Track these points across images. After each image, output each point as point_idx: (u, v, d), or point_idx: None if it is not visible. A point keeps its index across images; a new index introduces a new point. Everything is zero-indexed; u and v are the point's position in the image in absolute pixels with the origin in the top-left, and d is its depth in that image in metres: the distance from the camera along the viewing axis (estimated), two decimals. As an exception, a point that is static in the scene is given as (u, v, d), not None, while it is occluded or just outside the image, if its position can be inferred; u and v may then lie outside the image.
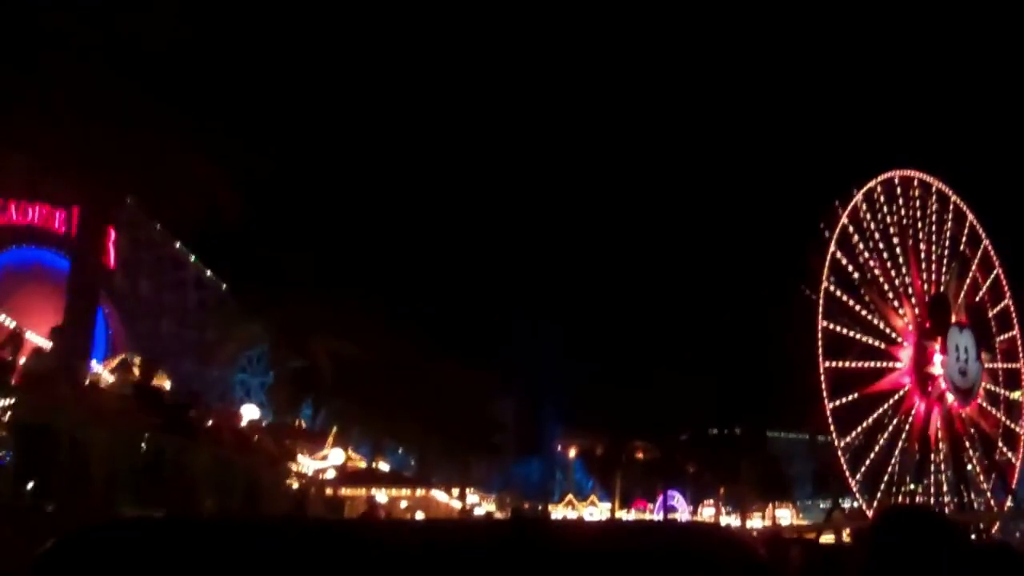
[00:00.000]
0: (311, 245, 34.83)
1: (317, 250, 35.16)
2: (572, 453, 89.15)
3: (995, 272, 61.10)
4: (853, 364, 52.62)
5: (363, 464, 47.53)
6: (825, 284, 52.07)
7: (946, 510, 54.51)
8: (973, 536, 46.82)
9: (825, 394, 50.76)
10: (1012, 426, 60.04)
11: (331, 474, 34.61)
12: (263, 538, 2.37)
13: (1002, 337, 60.70)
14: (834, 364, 51.67)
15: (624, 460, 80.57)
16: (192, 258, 47.12)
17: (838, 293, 52.94)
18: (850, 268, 53.85)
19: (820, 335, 51.32)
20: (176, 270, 48.83)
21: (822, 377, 50.87)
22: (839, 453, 51.21)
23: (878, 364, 53.98)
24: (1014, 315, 61.63)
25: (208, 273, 44.64)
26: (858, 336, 53.38)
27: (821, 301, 51.87)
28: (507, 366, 70.65)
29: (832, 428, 50.98)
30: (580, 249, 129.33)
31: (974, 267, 60.00)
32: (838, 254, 52.97)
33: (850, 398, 52.04)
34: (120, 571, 2.15)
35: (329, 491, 34.90)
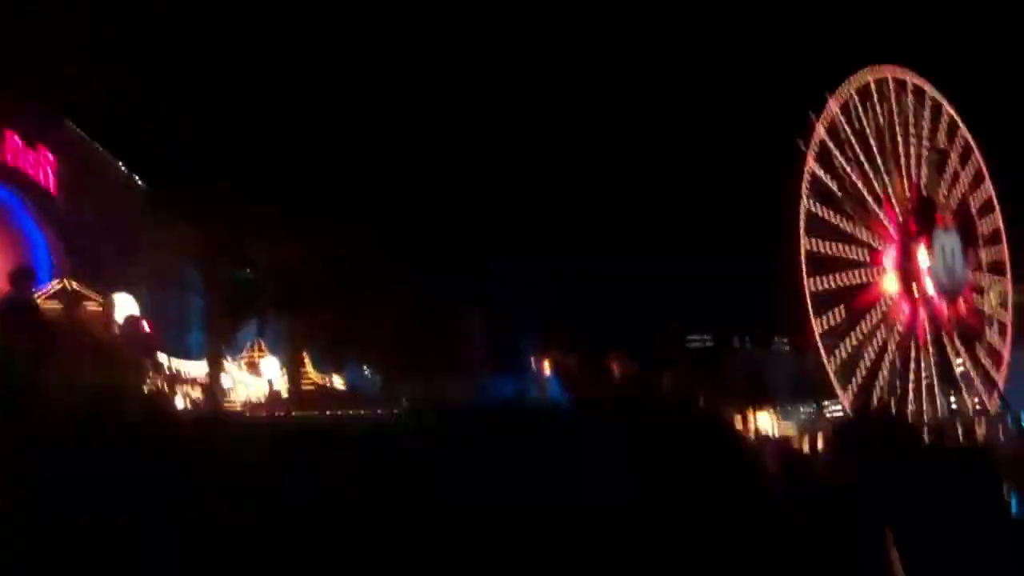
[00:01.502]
0: (248, 138, 31.19)
1: (255, 144, 31.56)
2: (546, 367, 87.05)
3: (984, 185, 59.01)
4: (838, 282, 50.56)
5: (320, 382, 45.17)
6: (805, 202, 49.69)
7: (936, 411, 53.32)
8: (961, 438, 45.44)
9: (811, 315, 48.89)
10: (988, 336, 58.43)
11: (254, 392, 31.78)
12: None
13: (984, 221, 58.75)
14: (818, 286, 49.68)
15: (600, 375, 78.63)
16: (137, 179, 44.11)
17: (818, 210, 50.53)
18: (830, 180, 51.52)
19: (803, 256, 49.22)
20: (122, 194, 46.08)
21: (808, 300, 48.96)
22: (823, 359, 49.45)
23: (863, 277, 51.97)
24: (995, 201, 59.62)
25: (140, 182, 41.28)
26: (841, 251, 51.22)
27: (802, 220, 49.59)
28: (476, 278, 67.89)
29: (820, 347, 49.27)
30: (553, 155, 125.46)
31: (964, 179, 57.86)
32: (817, 169, 50.81)
33: (837, 319, 50.14)
34: None
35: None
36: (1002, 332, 58.73)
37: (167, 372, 34.44)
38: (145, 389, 11.42)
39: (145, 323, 14.03)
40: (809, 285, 49.15)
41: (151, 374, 13.45)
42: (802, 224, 49.35)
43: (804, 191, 49.73)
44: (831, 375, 49.81)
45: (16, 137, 37.83)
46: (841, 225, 51.66)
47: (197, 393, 30.29)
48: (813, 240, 49.91)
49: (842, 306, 50.63)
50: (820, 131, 50.82)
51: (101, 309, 15.16)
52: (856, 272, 52.01)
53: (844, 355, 51.30)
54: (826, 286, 50.13)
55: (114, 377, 10.34)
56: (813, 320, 49.15)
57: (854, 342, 51.69)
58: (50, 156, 40.86)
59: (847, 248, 51.79)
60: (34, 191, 40.25)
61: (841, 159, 52.24)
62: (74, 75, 39.49)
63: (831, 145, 51.72)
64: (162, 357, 27.54)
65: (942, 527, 3.24)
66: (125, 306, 17.39)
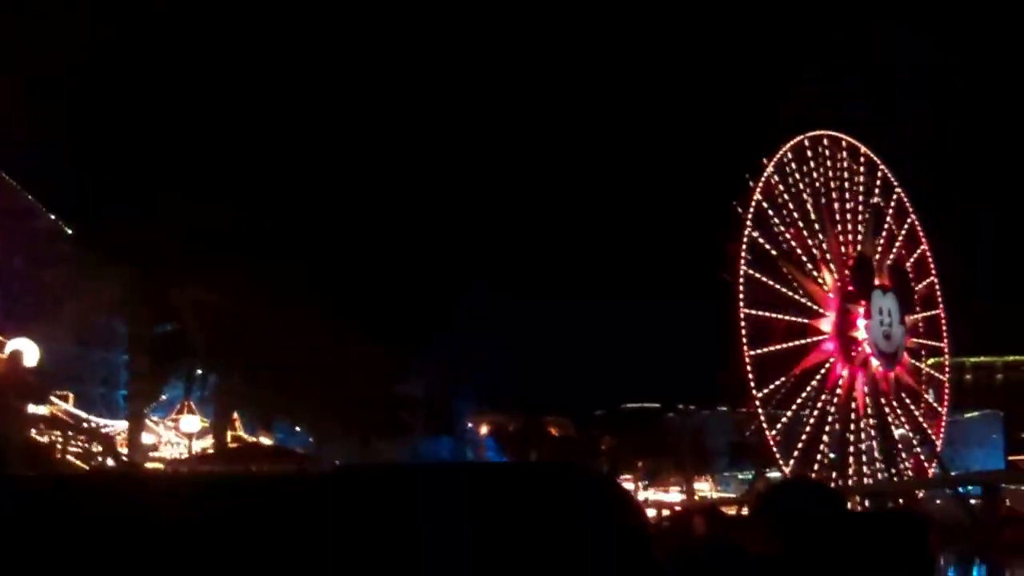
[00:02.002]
0: (180, 181, 29.99)
1: (188, 188, 30.38)
2: (484, 430, 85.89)
3: (909, 220, 59.50)
4: (778, 347, 50.56)
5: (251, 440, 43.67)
6: (743, 268, 49.76)
7: (877, 477, 53.07)
8: (900, 503, 45.17)
9: (752, 385, 48.69)
10: (932, 399, 58.74)
11: (179, 450, 30.37)
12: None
13: (920, 285, 59.18)
14: (758, 352, 49.64)
15: (538, 436, 77.80)
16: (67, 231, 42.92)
17: (757, 275, 50.64)
18: (768, 244, 51.75)
19: (742, 323, 49.15)
20: (52, 243, 44.81)
21: (748, 367, 48.87)
22: (763, 426, 49.11)
23: (803, 342, 51.98)
24: (931, 263, 60.19)
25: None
26: (781, 317, 51.24)
27: (741, 287, 49.64)
28: (415, 339, 66.92)
29: (759, 410, 49.02)
30: (496, 217, 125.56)
31: (889, 218, 58.35)
32: (755, 233, 51.06)
33: (778, 383, 50.18)
34: None
35: (196, 470, 30.67)
36: (939, 397, 59.01)
37: (86, 426, 33.00)
38: (25, 438, 10.42)
39: (25, 363, 13.02)
40: (749, 352, 48.96)
41: (37, 423, 12.41)
42: (741, 293, 49.27)
43: (742, 260, 49.73)
44: (771, 445, 49.43)
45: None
46: (781, 290, 51.69)
47: (117, 449, 28.90)
48: (753, 309, 49.83)
49: (783, 378, 50.50)
50: (756, 195, 50.98)
51: (6, 357, 14.16)
52: (796, 338, 51.92)
53: (784, 422, 51.04)
54: (767, 350, 50.03)
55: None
56: (753, 390, 48.91)
57: (794, 408, 51.51)
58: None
59: (787, 313, 51.76)
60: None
61: (779, 222, 52.43)
62: (3, 119, 38.48)
63: (768, 209, 51.92)
64: (67, 407, 26.15)
65: None
66: (27, 354, 16.33)
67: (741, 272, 49.66)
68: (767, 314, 50.80)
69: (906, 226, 58.81)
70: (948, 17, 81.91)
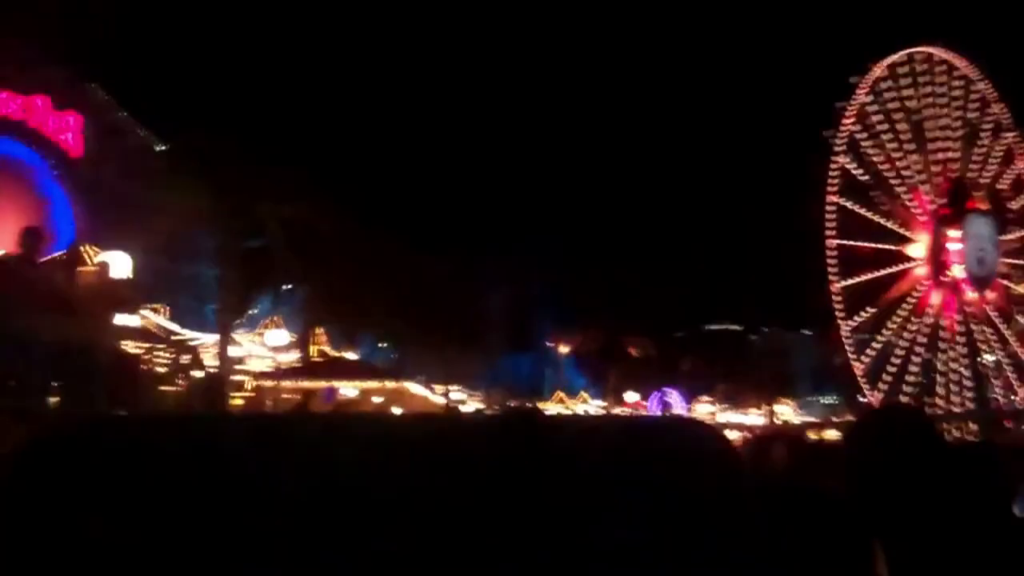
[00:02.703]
0: (264, 94, 30.32)
1: (275, 113, 30.71)
2: (563, 349, 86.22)
3: (1007, 137, 57.11)
4: (868, 276, 49.50)
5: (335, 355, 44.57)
6: (834, 197, 48.49)
7: (961, 405, 52.04)
8: (984, 431, 44.33)
9: (840, 317, 47.88)
10: (1020, 320, 56.89)
11: (266, 363, 31.08)
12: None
13: (1015, 203, 57.08)
14: (848, 283, 48.68)
15: (617, 356, 77.89)
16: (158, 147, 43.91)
17: (847, 203, 49.39)
18: (859, 169, 50.23)
19: (831, 209, 48.12)
20: (145, 159, 45.85)
21: (832, 252, 47.93)
22: (851, 357, 48.35)
23: (893, 269, 50.80)
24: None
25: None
26: (871, 245, 50.05)
27: (833, 178, 48.50)
28: (494, 255, 67.17)
29: (840, 311, 48.12)
30: (574, 132, 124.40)
31: (997, 158, 56.07)
32: (845, 158, 49.60)
33: (867, 313, 49.05)
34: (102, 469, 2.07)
35: (282, 384, 31.51)
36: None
37: (175, 339, 33.98)
38: (113, 348, 10.71)
39: (112, 274, 13.35)
40: (838, 283, 48.07)
41: (128, 334, 12.76)
42: (832, 221, 48.20)
43: (833, 186, 48.57)
44: (858, 376, 48.69)
45: (46, 101, 37.64)
46: (871, 216, 50.39)
47: (203, 362, 29.71)
48: (843, 238, 48.76)
49: (870, 307, 49.50)
50: (848, 120, 49.55)
51: (97, 268, 14.57)
52: (887, 265, 50.73)
53: (873, 352, 50.20)
54: (856, 280, 49.06)
55: (73, 331, 9.67)
56: (841, 323, 48.07)
57: (883, 337, 50.59)
58: (77, 119, 40.64)
59: (879, 240, 50.54)
60: (59, 155, 40.08)
61: (870, 147, 50.93)
62: (100, 39, 39.16)
63: (859, 133, 50.43)
64: (158, 319, 26.88)
65: (939, 542, 3.06)
66: (118, 266, 16.70)
67: (831, 201, 48.54)
68: (857, 243, 49.64)
69: (1004, 143, 56.49)
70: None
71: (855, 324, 49.16)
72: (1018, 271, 57.24)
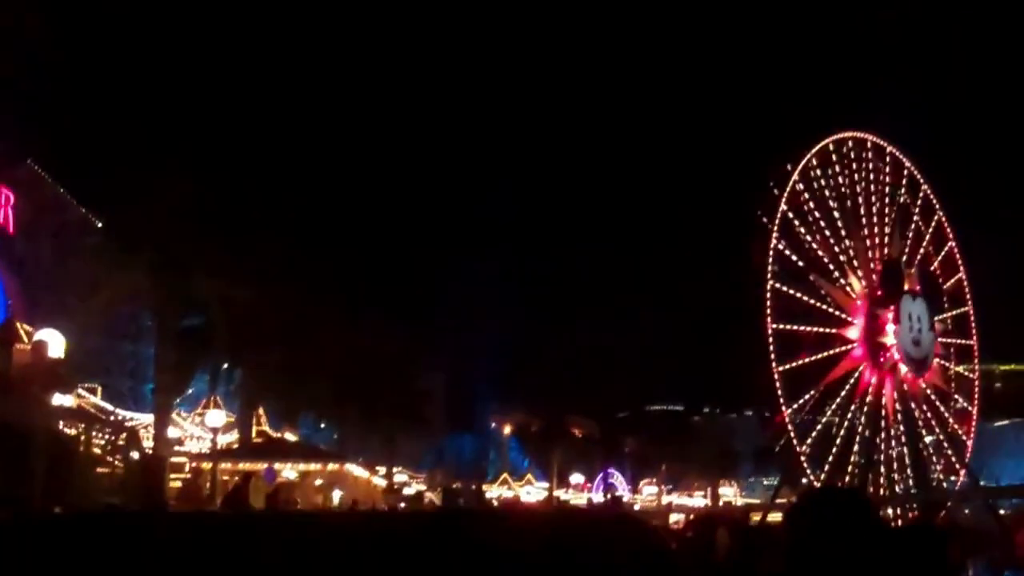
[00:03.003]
0: (199, 170, 30.05)
1: (208, 177, 30.43)
2: (507, 430, 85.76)
3: (948, 245, 58.75)
4: (806, 360, 49.91)
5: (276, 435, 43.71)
6: (770, 280, 49.15)
7: (901, 486, 52.44)
8: (924, 514, 44.57)
9: (773, 356, 48.10)
10: (964, 403, 57.90)
11: (204, 444, 30.35)
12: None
13: (948, 283, 58.32)
14: (784, 326, 48.98)
15: (561, 437, 77.56)
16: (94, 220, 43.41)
17: (783, 288, 49.94)
18: (794, 254, 50.87)
19: (769, 295, 48.59)
20: (81, 236, 45.26)
21: (770, 338, 48.20)
22: (793, 441, 48.49)
23: (831, 352, 51.26)
24: (967, 289, 59.33)
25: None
26: (808, 329, 50.59)
27: (770, 265, 49.08)
28: (438, 335, 66.94)
29: (780, 395, 48.35)
30: (519, 207, 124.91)
31: (927, 239, 57.56)
32: (780, 243, 50.16)
33: (807, 397, 49.41)
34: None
35: (221, 465, 30.76)
36: (969, 400, 58.17)
37: (112, 419, 33.12)
38: (50, 429, 10.37)
39: (50, 354, 13.02)
40: (778, 368, 48.33)
41: (64, 414, 12.39)
42: (768, 306, 48.62)
43: (770, 271, 49.10)
44: (801, 458, 48.82)
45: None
46: (809, 301, 51.00)
47: (142, 442, 28.93)
48: (780, 322, 49.20)
49: (812, 391, 49.91)
50: (782, 206, 50.28)
51: (32, 347, 14.16)
52: (824, 348, 51.20)
53: (815, 434, 50.44)
54: (795, 364, 49.38)
55: (8, 411, 9.36)
56: (783, 406, 48.33)
57: (824, 418, 50.92)
58: (10, 196, 40.00)
59: (815, 324, 51.07)
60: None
61: (804, 230, 51.68)
62: (36, 115, 38.86)
63: (794, 217, 51.15)
64: (94, 399, 26.17)
65: None
66: (52, 344, 16.27)
67: (769, 286, 49.03)
68: (794, 328, 50.11)
69: (933, 223, 57.95)
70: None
71: (796, 406, 49.44)
72: (954, 352, 58.42)
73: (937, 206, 58.08)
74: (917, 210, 57.14)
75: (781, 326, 49.00)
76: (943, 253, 58.21)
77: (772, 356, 48.01)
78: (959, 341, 58.54)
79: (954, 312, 58.31)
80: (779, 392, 48.15)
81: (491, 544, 2.16)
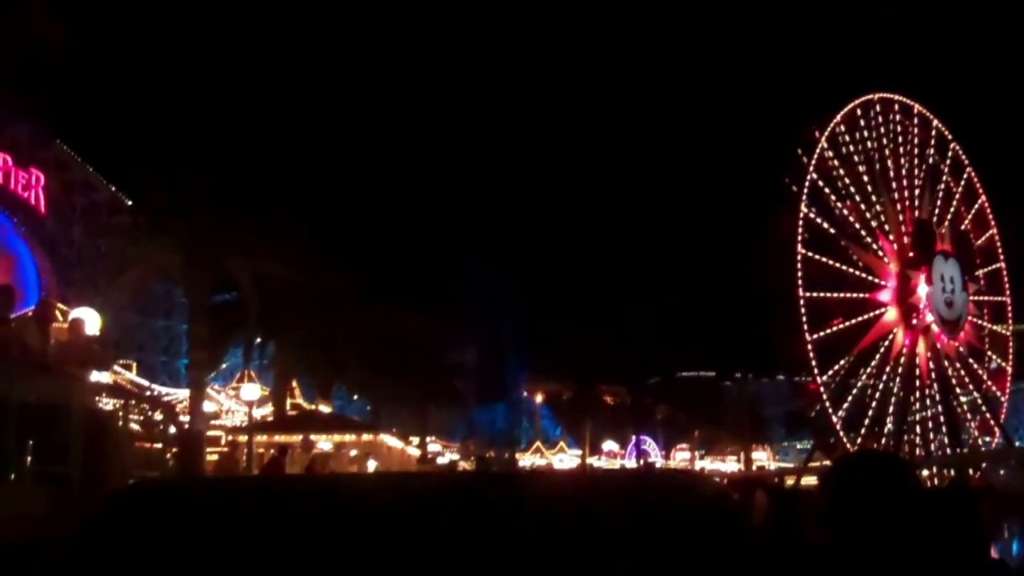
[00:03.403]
0: (233, 146, 30.25)
1: (241, 154, 30.62)
2: (539, 399, 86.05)
3: (979, 202, 58.14)
4: (839, 326, 49.67)
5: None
6: (800, 248, 48.83)
7: (936, 447, 52.23)
8: (958, 475, 44.38)
9: (806, 326, 47.89)
10: (999, 361, 57.47)
11: (240, 418, 30.68)
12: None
13: (980, 240, 57.81)
14: (815, 294, 48.72)
15: (592, 405, 77.68)
16: (123, 198, 43.81)
17: (814, 255, 49.63)
18: (824, 220, 50.58)
19: (799, 263, 48.30)
20: (112, 215, 45.67)
21: (802, 308, 47.96)
22: (828, 409, 48.34)
23: (864, 317, 50.98)
24: (999, 246, 58.76)
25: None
26: (841, 295, 50.31)
27: (799, 232, 48.76)
28: (468, 308, 67.19)
29: (814, 363, 48.17)
30: (544, 185, 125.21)
31: (957, 196, 56.95)
32: (810, 210, 49.83)
33: (840, 364, 49.18)
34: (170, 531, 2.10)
35: (257, 438, 31.17)
36: (1004, 357, 57.75)
37: (148, 394, 33.61)
38: (87, 406, 10.55)
39: (86, 331, 13.24)
40: (810, 336, 48.10)
41: (100, 391, 12.61)
42: (799, 275, 48.30)
43: (800, 239, 48.74)
44: (836, 425, 48.66)
45: (7, 158, 37.39)
46: (840, 267, 50.66)
47: (178, 417, 29.37)
48: (812, 290, 48.93)
49: (844, 357, 49.71)
50: (810, 172, 49.87)
51: (69, 325, 14.46)
52: (857, 314, 50.87)
53: (849, 398, 50.27)
54: (828, 331, 49.19)
55: (48, 389, 9.55)
56: (817, 375, 48.18)
57: (858, 383, 50.75)
58: (40, 176, 40.44)
59: (847, 290, 50.79)
60: (24, 211, 39.80)
61: (834, 196, 51.31)
62: (64, 94, 39.21)
63: (822, 183, 50.79)
64: (131, 376, 26.57)
65: None
66: (87, 322, 16.59)
67: (799, 254, 48.69)
68: (826, 295, 49.86)
69: (963, 180, 57.31)
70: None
71: (830, 374, 49.30)
72: (987, 311, 57.89)
73: (967, 163, 57.56)
74: (946, 168, 56.61)
75: (813, 294, 48.80)
76: (974, 210, 57.64)
77: (805, 325, 47.86)
78: (993, 298, 58.00)
79: (987, 269, 57.77)
80: (813, 361, 48.05)
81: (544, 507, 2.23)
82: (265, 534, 2.18)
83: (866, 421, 50.25)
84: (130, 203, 41.23)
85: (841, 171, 51.74)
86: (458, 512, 2.23)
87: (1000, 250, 58.69)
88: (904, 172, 54.28)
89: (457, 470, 54.15)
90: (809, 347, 47.89)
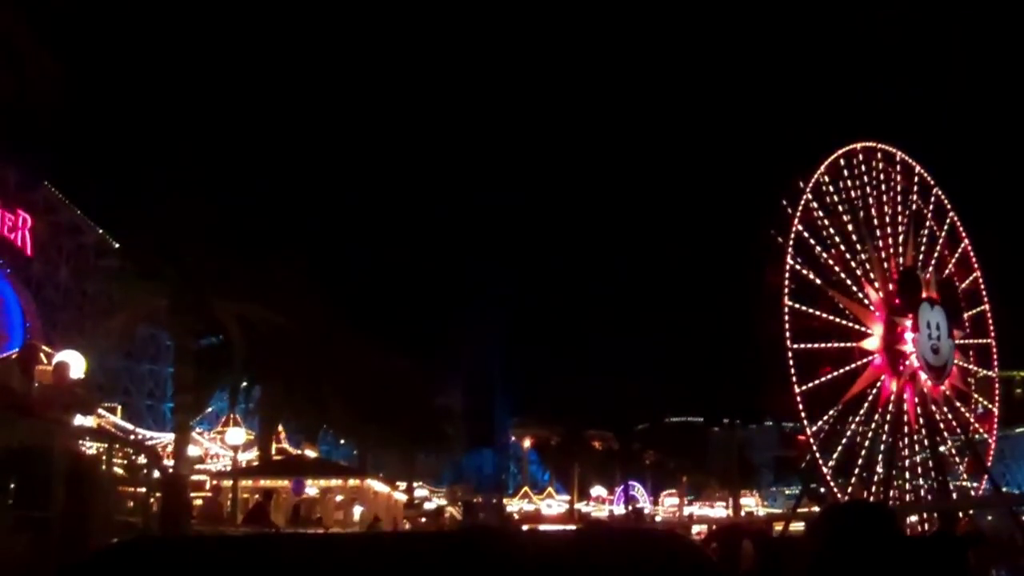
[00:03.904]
0: (216, 191, 30.34)
1: (228, 198, 30.78)
2: (527, 444, 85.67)
3: (962, 245, 58.58)
4: (827, 377, 49.70)
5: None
6: (787, 300, 49.02)
7: (921, 493, 52.12)
8: (945, 522, 44.21)
9: (794, 378, 47.91)
10: (985, 403, 57.56)
11: (224, 462, 30.37)
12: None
13: (971, 312, 58.11)
14: (803, 346, 48.83)
15: (581, 450, 77.41)
16: (110, 240, 43.86)
17: (800, 307, 49.78)
18: (809, 271, 50.78)
19: (787, 316, 48.40)
20: (99, 257, 45.67)
21: (790, 361, 48.01)
22: (813, 447, 48.30)
23: (852, 366, 51.05)
24: (983, 289, 59.10)
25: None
26: (828, 346, 50.45)
27: (786, 284, 48.94)
28: (455, 352, 67.16)
29: (803, 414, 48.16)
30: (533, 226, 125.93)
31: (941, 241, 57.39)
32: (796, 261, 50.04)
33: (829, 414, 49.21)
34: None
35: (242, 483, 30.90)
36: (990, 400, 57.83)
37: (133, 438, 33.37)
38: (71, 449, 10.48)
39: (71, 375, 13.18)
40: (799, 387, 48.15)
41: (84, 435, 12.52)
42: (787, 328, 48.42)
43: (786, 291, 48.90)
44: (826, 475, 48.59)
45: (-5, 201, 37.49)
46: (826, 317, 50.81)
47: (162, 461, 29.14)
48: (799, 343, 49.03)
49: (833, 410, 49.73)
50: (796, 222, 50.02)
51: (54, 368, 14.37)
52: (845, 362, 50.95)
53: (837, 445, 50.19)
54: (816, 383, 49.24)
55: (31, 433, 9.49)
56: (807, 426, 48.21)
57: (846, 429, 50.75)
58: (27, 219, 40.47)
59: (833, 340, 50.87)
60: (10, 253, 39.77)
61: (818, 246, 51.49)
62: (51, 139, 39.32)
63: (807, 234, 50.97)
64: (115, 419, 26.34)
65: None
66: (72, 365, 16.46)
67: (785, 308, 48.81)
68: (813, 346, 49.97)
69: (947, 224, 57.77)
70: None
71: (819, 425, 49.36)
72: (973, 356, 58.08)
73: (949, 207, 58.03)
74: (930, 213, 57.07)
75: (800, 346, 48.89)
76: (958, 253, 58.03)
77: (794, 377, 47.91)
78: (978, 341, 58.16)
79: (972, 312, 58.02)
80: (802, 413, 48.06)
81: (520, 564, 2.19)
82: None
83: (856, 469, 50.12)
84: (117, 246, 41.24)
85: (826, 221, 51.93)
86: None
87: (984, 293, 59.01)
88: (888, 220, 54.61)
89: (444, 516, 53.94)
90: (798, 399, 47.87)
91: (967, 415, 55.74)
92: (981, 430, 56.55)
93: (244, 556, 2.33)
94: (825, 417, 49.48)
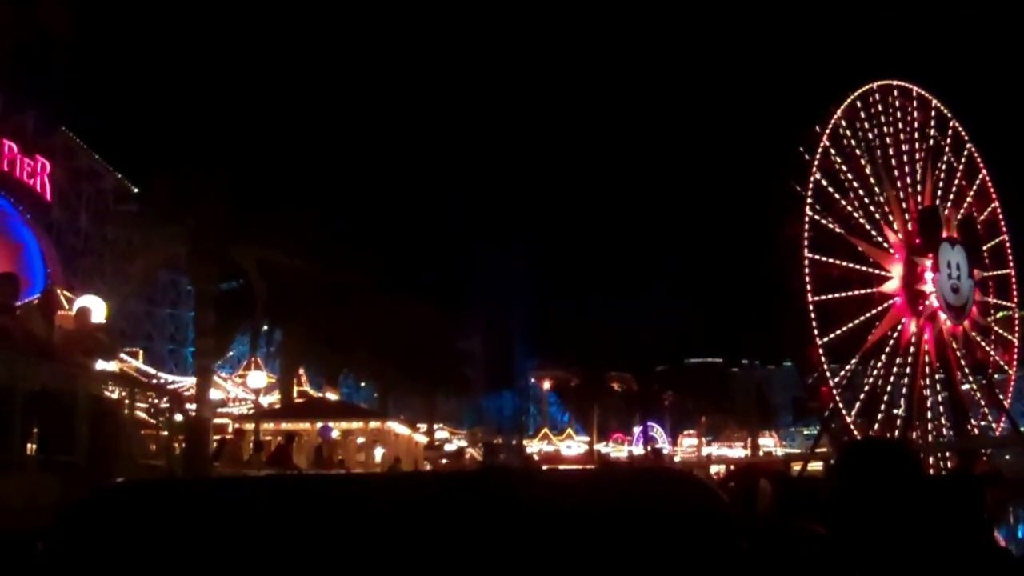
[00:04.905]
0: (240, 135, 30.30)
1: (249, 143, 30.70)
2: (546, 386, 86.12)
3: (980, 176, 57.92)
4: (848, 326, 49.48)
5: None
6: (807, 252, 48.61)
7: (945, 432, 52.21)
8: (963, 461, 44.37)
9: (816, 331, 47.80)
10: (1006, 334, 57.23)
11: (246, 406, 30.67)
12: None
13: (990, 244, 57.57)
14: (823, 297, 48.67)
15: (600, 392, 77.79)
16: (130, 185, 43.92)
17: (820, 257, 49.43)
18: (829, 218, 50.35)
19: (807, 268, 48.16)
20: (118, 202, 45.71)
21: (812, 315, 47.87)
22: (833, 390, 48.32)
23: (872, 312, 50.80)
24: (1002, 220, 58.55)
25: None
26: (848, 294, 50.17)
27: (806, 231, 48.60)
28: (475, 296, 67.27)
29: (825, 367, 48.17)
30: (552, 170, 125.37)
31: (959, 174, 56.77)
32: (815, 208, 49.59)
33: (841, 331, 49.07)
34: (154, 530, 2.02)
35: (264, 425, 31.25)
36: (1008, 350, 57.53)
37: (155, 382, 33.73)
38: (93, 394, 10.58)
39: (92, 320, 13.26)
40: (821, 339, 47.99)
41: (107, 379, 12.64)
42: (808, 280, 48.16)
43: (805, 243, 48.57)
44: (842, 408, 48.60)
45: (13, 145, 37.38)
46: (847, 264, 50.45)
47: (185, 405, 29.49)
48: (820, 294, 48.77)
49: (854, 359, 49.71)
50: (814, 170, 49.50)
51: (75, 314, 14.45)
52: (865, 308, 50.71)
53: (861, 397, 50.14)
54: (837, 332, 49.08)
55: (53, 377, 9.58)
56: (830, 382, 48.18)
57: (866, 372, 50.73)
58: (46, 164, 40.48)
59: (854, 286, 50.64)
60: (30, 199, 39.85)
61: (837, 191, 50.99)
62: (71, 82, 39.22)
63: (826, 180, 50.38)
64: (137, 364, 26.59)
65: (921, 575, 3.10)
66: (94, 310, 16.52)
67: (805, 260, 48.47)
68: (835, 295, 49.71)
69: (964, 157, 57.14)
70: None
71: (841, 374, 49.37)
72: (992, 288, 57.62)
73: (966, 139, 57.43)
74: (947, 146, 56.52)
75: (821, 297, 48.68)
76: (976, 184, 57.44)
77: (816, 330, 47.76)
78: (997, 272, 57.70)
79: (991, 243, 57.54)
80: (824, 365, 48.02)
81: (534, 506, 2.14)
82: (246, 537, 2.14)
83: (878, 414, 50.14)
84: (136, 191, 41.29)
85: (844, 166, 51.45)
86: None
87: (1003, 223, 58.50)
88: (906, 158, 54.11)
89: (464, 456, 54.49)
90: (820, 352, 47.83)
91: (988, 348, 55.54)
92: (1002, 362, 56.31)
93: (257, 498, 2.31)
94: (848, 366, 49.51)
